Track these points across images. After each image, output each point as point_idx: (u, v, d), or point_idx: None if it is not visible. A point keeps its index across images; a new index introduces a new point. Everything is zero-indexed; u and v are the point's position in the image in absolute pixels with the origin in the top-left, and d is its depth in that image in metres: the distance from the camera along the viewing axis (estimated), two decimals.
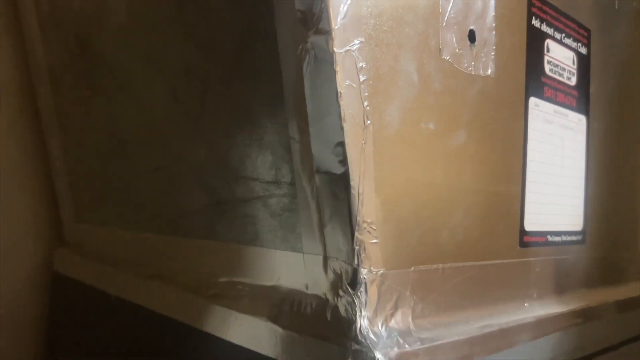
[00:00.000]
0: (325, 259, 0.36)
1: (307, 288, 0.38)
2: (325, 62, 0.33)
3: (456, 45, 0.41)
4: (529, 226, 0.49)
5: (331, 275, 0.36)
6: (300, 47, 0.34)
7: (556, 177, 0.52)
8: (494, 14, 0.44)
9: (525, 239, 0.48)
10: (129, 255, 0.59)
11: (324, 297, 0.37)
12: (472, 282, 0.42)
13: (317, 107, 0.34)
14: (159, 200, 0.52)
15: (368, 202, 0.34)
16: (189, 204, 0.48)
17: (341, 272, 0.35)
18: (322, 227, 0.35)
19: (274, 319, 0.39)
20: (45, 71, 0.65)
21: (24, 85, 0.69)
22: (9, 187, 0.68)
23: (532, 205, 0.49)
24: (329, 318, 0.36)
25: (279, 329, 0.38)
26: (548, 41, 0.51)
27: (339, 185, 0.34)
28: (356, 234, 0.34)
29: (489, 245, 0.44)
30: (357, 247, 0.34)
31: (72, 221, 0.70)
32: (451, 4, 0.40)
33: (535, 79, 0.49)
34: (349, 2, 0.33)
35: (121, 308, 0.59)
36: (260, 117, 0.39)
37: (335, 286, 0.35)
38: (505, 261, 0.45)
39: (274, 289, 0.41)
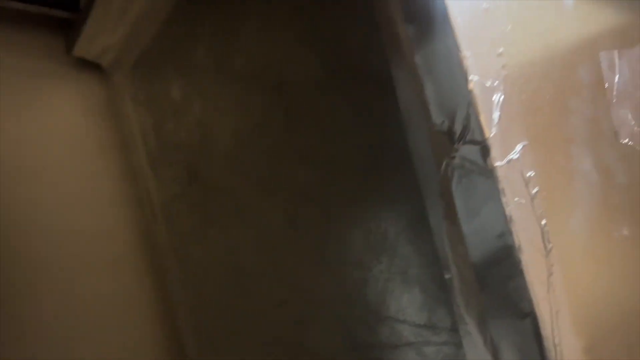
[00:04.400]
0: None
1: None
2: (483, 178, 0.26)
3: (634, 123, 0.32)
4: None
5: None
6: (445, 163, 0.27)
7: None
8: None
9: None
10: None
11: None
12: None
13: (479, 237, 0.27)
14: (285, 339, 0.45)
15: (569, 351, 0.25)
16: (321, 346, 0.41)
17: None
18: None
19: None
20: (158, 207, 0.64)
21: (139, 224, 0.69)
22: (130, 326, 0.66)
23: None
24: None
25: None
26: None
27: (525, 335, 0.26)
28: None
29: None
30: None
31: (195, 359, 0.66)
32: (617, 75, 0.32)
33: None
34: (501, 100, 0.26)
35: None
36: (399, 246, 0.32)
37: None
38: None
39: None
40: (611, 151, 0.30)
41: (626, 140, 0.31)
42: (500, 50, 0.26)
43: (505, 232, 0.25)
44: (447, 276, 0.29)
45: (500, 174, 0.25)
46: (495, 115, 0.25)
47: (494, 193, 0.25)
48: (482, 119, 0.25)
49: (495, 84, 0.26)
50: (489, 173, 0.25)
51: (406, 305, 0.32)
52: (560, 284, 0.26)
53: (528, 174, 0.26)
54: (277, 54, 0.39)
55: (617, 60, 0.32)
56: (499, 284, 0.26)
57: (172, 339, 0.69)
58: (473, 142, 0.26)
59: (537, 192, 0.26)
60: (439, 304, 0.30)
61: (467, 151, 0.26)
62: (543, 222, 0.26)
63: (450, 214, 0.27)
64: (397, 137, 0.30)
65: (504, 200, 0.25)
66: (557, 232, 0.26)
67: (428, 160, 0.28)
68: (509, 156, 0.25)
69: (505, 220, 0.25)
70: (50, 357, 0.56)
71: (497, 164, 0.25)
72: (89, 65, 0.67)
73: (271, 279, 0.46)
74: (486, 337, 0.27)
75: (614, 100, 0.31)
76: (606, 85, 0.31)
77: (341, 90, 0.33)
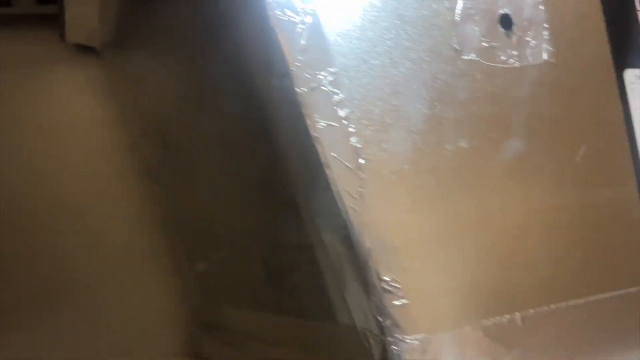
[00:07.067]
0: (356, 331, 0.30)
1: None
2: (292, 105, 0.28)
3: (482, 39, 0.33)
4: None
5: (366, 350, 0.30)
6: (273, 96, 0.30)
7: None
8: None
9: None
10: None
11: None
12: (573, 327, 0.31)
13: (303, 158, 0.30)
14: (245, 276, 0.50)
15: (382, 257, 0.28)
16: (257, 277, 0.46)
17: (372, 346, 0.29)
18: (343, 294, 0.30)
19: None
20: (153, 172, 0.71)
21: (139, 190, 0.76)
22: (147, 274, 0.74)
23: None
24: None
25: None
26: None
27: (345, 242, 0.29)
28: (371, 297, 0.28)
29: (597, 275, 0.33)
30: (376, 313, 0.28)
31: (201, 302, 0.73)
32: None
33: (626, 46, 0.38)
34: (307, 33, 0.28)
35: None
36: (277, 181, 0.36)
37: None
38: (624, 292, 0.33)
39: None
40: (450, 68, 0.32)
41: (470, 56, 0.32)
42: None
43: (314, 152, 0.28)
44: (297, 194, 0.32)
45: (305, 100, 0.28)
46: (299, 45, 0.28)
47: (301, 119, 0.28)
48: (286, 52, 0.28)
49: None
50: (295, 99, 0.28)
51: (291, 230, 0.36)
52: (373, 195, 0.28)
53: (336, 98, 0.28)
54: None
55: None
56: (322, 196, 0.29)
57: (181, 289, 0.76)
58: (283, 74, 0.28)
59: (348, 113, 0.28)
60: (303, 224, 0.33)
61: (280, 82, 0.29)
62: (353, 139, 0.28)
63: (288, 139, 0.31)
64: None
65: (309, 124, 0.28)
66: (373, 147, 0.29)
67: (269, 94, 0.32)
68: (312, 84, 0.28)
69: (314, 141, 0.28)
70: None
71: (301, 90, 0.28)
72: (86, 50, 0.74)
73: (227, 225, 0.51)
74: (325, 249, 0.31)
75: (458, 19, 0.32)
76: (447, 5, 0.32)
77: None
